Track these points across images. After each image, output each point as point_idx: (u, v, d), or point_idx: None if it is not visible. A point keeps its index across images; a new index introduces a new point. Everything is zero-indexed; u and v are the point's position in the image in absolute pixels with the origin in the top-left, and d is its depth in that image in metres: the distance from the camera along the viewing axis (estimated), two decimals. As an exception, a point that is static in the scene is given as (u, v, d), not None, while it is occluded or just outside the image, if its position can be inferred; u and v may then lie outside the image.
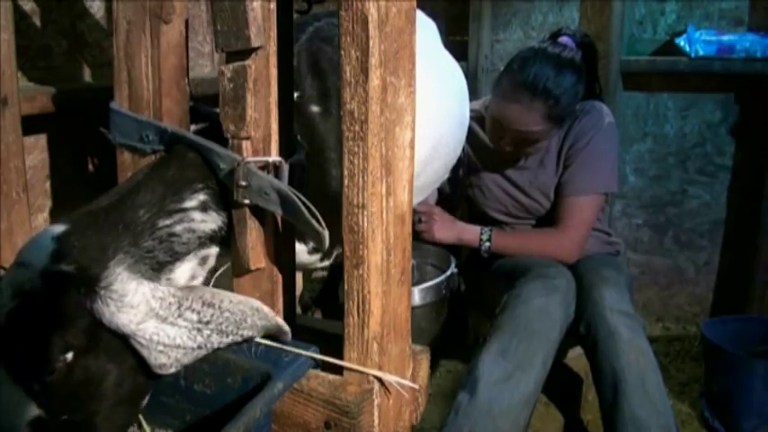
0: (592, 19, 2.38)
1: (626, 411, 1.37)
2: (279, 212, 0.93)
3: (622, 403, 1.38)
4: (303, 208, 0.90)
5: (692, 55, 2.22)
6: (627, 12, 2.37)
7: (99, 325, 0.79)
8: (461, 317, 2.04)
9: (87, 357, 0.78)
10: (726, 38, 2.20)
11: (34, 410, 0.75)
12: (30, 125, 1.39)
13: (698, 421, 1.86)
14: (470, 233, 1.74)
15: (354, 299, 0.91)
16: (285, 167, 0.94)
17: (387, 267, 0.93)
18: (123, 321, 0.79)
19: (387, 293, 0.93)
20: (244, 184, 0.92)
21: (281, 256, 1.01)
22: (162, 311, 0.81)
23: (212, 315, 0.85)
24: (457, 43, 2.59)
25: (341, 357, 0.95)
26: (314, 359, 0.92)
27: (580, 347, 1.60)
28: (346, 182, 0.88)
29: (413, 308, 1.05)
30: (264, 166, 0.94)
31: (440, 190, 1.94)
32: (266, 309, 0.91)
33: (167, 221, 0.91)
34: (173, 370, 0.84)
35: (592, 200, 1.69)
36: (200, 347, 0.85)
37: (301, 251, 1.22)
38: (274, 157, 0.95)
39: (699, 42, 2.20)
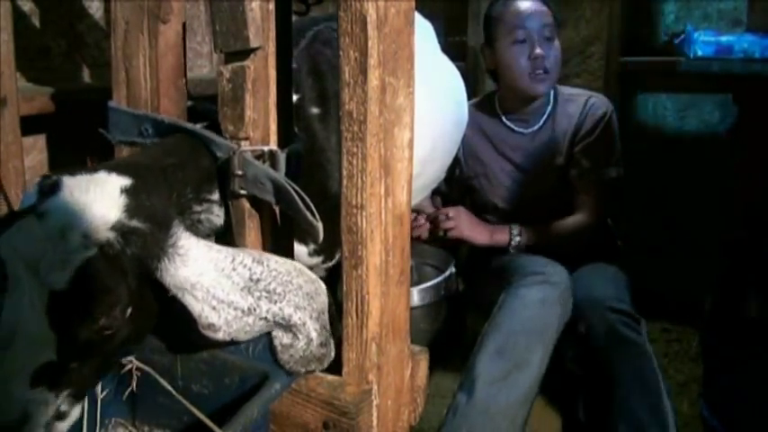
0: (591, 19, 2.38)
1: (624, 411, 1.37)
2: (273, 202, 0.94)
3: (621, 403, 1.38)
4: (297, 198, 0.90)
5: (691, 55, 2.22)
6: (626, 12, 2.37)
7: (147, 283, 0.80)
8: (460, 317, 2.03)
9: (126, 317, 0.79)
10: (724, 38, 2.19)
11: (50, 355, 0.74)
12: (29, 125, 1.39)
13: (697, 421, 1.86)
14: (500, 232, 1.74)
15: (353, 299, 0.91)
16: (281, 157, 0.95)
17: (385, 268, 0.93)
18: (186, 274, 0.79)
19: (386, 294, 0.93)
20: (239, 173, 0.93)
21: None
22: (219, 263, 0.83)
23: (262, 272, 0.85)
24: (456, 44, 2.59)
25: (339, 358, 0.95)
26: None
27: (580, 347, 1.60)
28: (345, 182, 0.88)
29: (412, 308, 1.05)
30: (260, 156, 0.94)
31: (437, 189, 1.94)
32: (307, 270, 0.92)
33: (198, 208, 0.95)
34: (220, 335, 0.83)
35: (605, 181, 1.74)
36: (250, 311, 0.84)
37: (302, 253, 1.22)
38: (270, 145, 0.95)
39: (697, 43, 2.20)
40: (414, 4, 0.92)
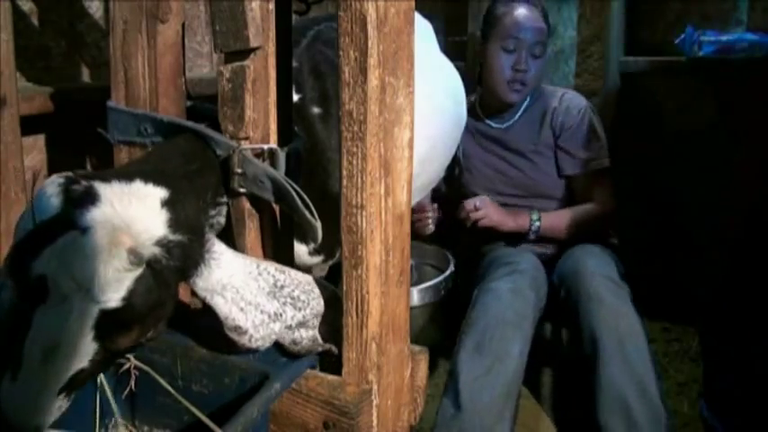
0: (591, 19, 2.38)
1: (603, 376, 1.34)
2: (272, 200, 0.94)
3: (600, 368, 1.36)
4: (296, 197, 0.90)
5: (691, 55, 2.22)
6: (626, 12, 2.37)
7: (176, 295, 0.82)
8: (460, 317, 2.03)
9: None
10: (725, 38, 2.20)
11: (84, 364, 0.75)
12: (28, 125, 1.39)
13: (697, 421, 1.86)
14: (522, 217, 1.77)
15: (353, 299, 0.91)
16: (281, 155, 0.95)
17: (385, 268, 0.93)
18: (219, 276, 0.81)
19: (385, 294, 0.93)
20: (239, 171, 0.93)
21: (280, 258, 1.01)
22: (247, 266, 0.85)
23: (285, 280, 0.88)
24: (456, 44, 2.59)
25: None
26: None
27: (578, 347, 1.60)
28: (345, 182, 0.88)
29: (411, 308, 1.05)
30: (260, 154, 0.95)
31: (436, 189, 1.95)
32: (321, 280, 0.95)
33: (213, 212, 0.97)
34: (245, 338, 0.84)
35: (604, 170, 1.80)
36: (276, 317, 0.86)
37: (302, 252, 1.22)
38: (270, 144, 0.96)
39: (698, 42, 2.20)
40: (414, 4, 0.92)
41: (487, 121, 1.89)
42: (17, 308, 0.76)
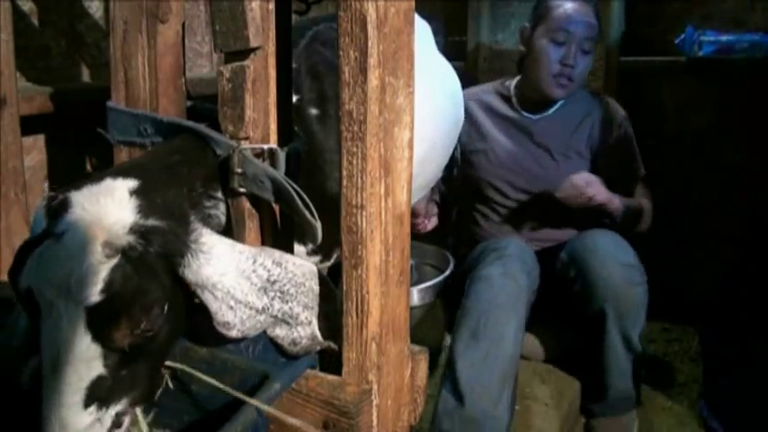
0: (591, 19, 2.38)
1: (606, 347, 1.54)
2: (272, 200, 0.94)
3: (605, 346, 1.53)
4: (296, 197, 0.91)
5: (692, 55, 2.22)
6: (626, 11, 2.37)
7: (177, 281, 0.79)
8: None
9: (164, 314, 0.79)
10: (725, 38, 2.20)
11: (99, 369, 0.74)
12: (28, 125, 1.39)
13: (697, 421, 1.86)
14: (617, 197, 1.72)
15: (353, 299, 0.91)
16: (281, 155, 0.95)
17: (385, 268, 0.93)
18: (209, 273, 0.80)
19: (385, 294, 0.93)
20: (239, 171, 0.93)
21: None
22: (241, 263, 0.84)
23: (279, 274, 0.87)
24: (455, 44, 2.59)
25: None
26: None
27: (583, 348, 1.61)
28: (345, 182, 0.88)
29: (411, 308, 1.05)
30: (260, 154, 0.95)
31: (436, 188, 1.94)
32: (322, 272, 0.95)
33: (208, 204, 0.96)
34: (233, 333, 0.84)
35: (645, 177, 1.85)
36: (263, 310, 0.86)
37: (300, 252, 1.22)
38: (270, 144, 0.96)
39: (698, 42, 2.20)
40: (414, 4, 0.92)
41: (520, 110, 1.84)
42: (34, 331, 0.76)
